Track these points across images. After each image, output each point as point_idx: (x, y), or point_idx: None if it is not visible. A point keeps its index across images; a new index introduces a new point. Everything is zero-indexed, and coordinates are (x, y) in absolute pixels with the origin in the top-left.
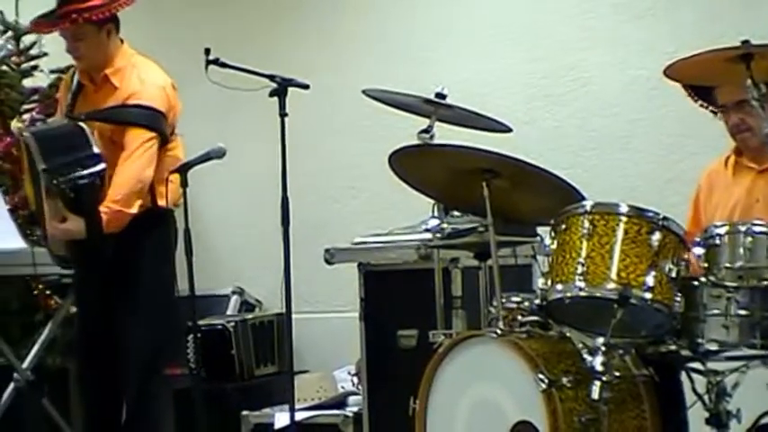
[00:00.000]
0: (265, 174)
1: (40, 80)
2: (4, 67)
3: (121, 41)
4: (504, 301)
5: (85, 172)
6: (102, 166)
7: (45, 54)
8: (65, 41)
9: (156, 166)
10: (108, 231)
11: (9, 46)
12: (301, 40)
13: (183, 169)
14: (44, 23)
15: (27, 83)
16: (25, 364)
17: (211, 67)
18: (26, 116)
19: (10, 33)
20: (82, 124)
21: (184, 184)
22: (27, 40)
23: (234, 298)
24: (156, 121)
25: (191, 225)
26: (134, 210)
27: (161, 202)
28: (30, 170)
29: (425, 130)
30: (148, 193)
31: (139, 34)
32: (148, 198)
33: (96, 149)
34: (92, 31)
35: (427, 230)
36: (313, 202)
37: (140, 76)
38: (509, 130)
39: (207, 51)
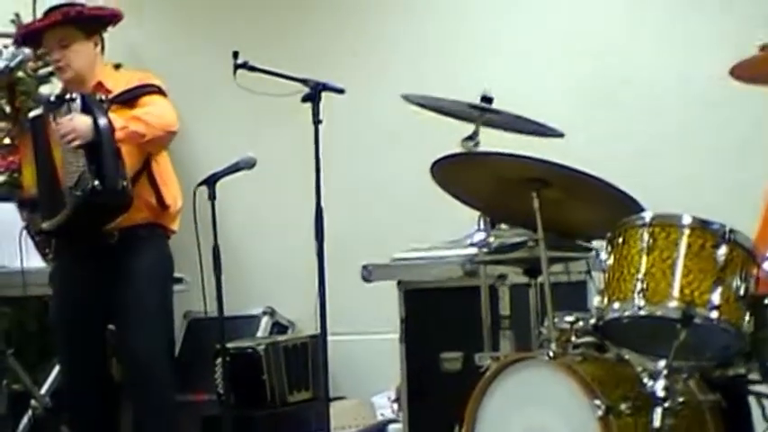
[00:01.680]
0: (298, 185)
1: (57, 87)
2: (21, 74)
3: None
4: (556, 320)
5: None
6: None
7: None
8: (51, 54)
9: (159, 162)
10: (121, 138)
11: (26, 50)
12: (336, 43)
13: (211, 181)
14: (32, 23)
15: (44, 90)
16: (43, 390)
17: (240, 71)
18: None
19: None
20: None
21: (212, 196)
22: None
23: (264, 319)
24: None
25: (219, 239)
26: (151, 133)
27: (168, 201)
28: (34, 149)
29: (470, 137)
30: (153, 191)
31: (164, 37)
32: (153, 198)
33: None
34: (79, 37)
35: (472, 245)
36: (349, 216)
37: (136, 74)
38: (561, 134)
39: (235, 54)
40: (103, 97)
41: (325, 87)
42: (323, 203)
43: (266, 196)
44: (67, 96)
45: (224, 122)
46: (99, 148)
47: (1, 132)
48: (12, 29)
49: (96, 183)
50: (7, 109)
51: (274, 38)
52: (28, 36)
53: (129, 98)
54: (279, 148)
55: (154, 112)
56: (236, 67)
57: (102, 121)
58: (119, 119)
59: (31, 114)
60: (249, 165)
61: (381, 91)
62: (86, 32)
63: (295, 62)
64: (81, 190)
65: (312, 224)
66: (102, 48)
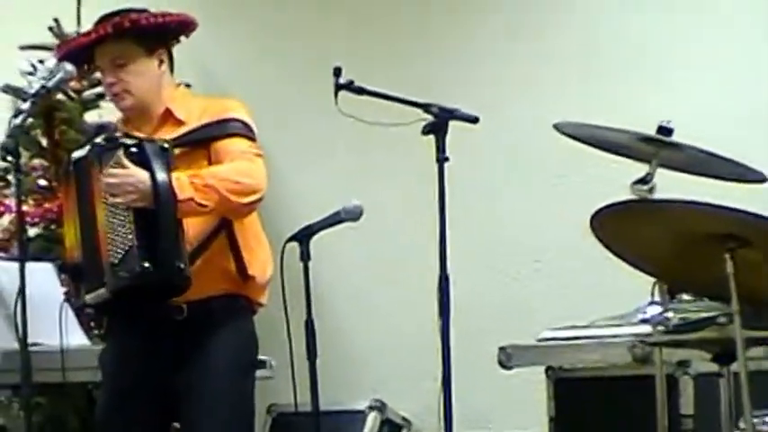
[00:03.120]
0: (416, 242)
1: (107, 112)
2: (61, 96)
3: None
4: (755, 421)
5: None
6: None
7: None
8: (104, 76)
9: (244, 220)
10: (184, 211)
11: (67, 66)
12: (464, 59)
13: (304, 235)
14: (76, 38)
15: (90, 116)
16: None
17: (343, 93)
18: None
19: None
20: None
21: (306, 256)
22: None
23: (372, 415)
24: (255, 137)
25: (313, 313)
26: (224, 207)
27: (252, 271)
28: (78, 200)
29: (642, 180)
30: (233, 258)
31: (246, 54)
32: (233, 266)
33: None
34: (139, 54)
35: (645, 321)
36: (482, 283)
37: (216, 101)
38: (764, 179)
39: (337, 72)
40: (165, 144)
41: (454, 115)
42: (449, 267)
43: (375, 256)
44: (121, 140)
45: (321, 160)
46: (155, 218)
47: (35, 172)
48: (50, 39)
49: (146, 265)
50: (44, 142)
51: (382, 53)
52: (71, 55)
53: (202, 139)
54: (391, 193)
55: (233, 177)
56: (338, 87)
57: (163, 181)
58: (185, 185)
59: (75, 155)
60: (353, 215)
61: (525, 120)
62: (148, 47)
63: (409, 84)
64: (126, 270)
65: (434, 293)
66: (171, 65)
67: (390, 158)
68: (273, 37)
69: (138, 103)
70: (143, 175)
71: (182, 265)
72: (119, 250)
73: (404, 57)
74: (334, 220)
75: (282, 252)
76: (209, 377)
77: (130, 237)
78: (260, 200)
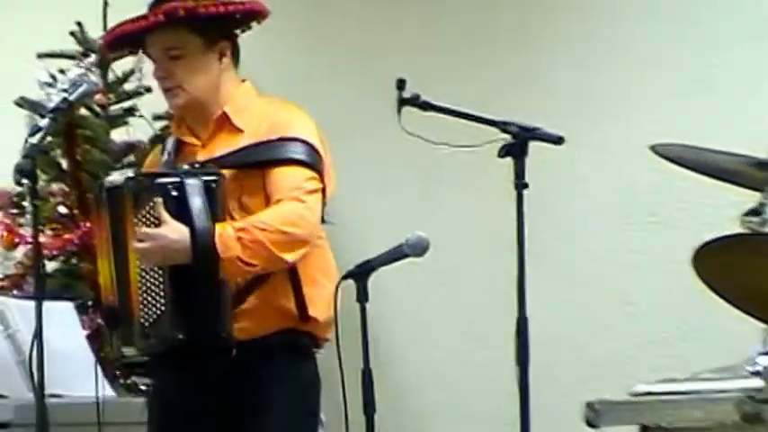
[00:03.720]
0: (490, 280)
1: (138, 129)
2: (84, 111)
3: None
4: None
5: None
6: (217, 176)
7: (147, 90)
8: (156, 68)
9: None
10: (228, 271)
11: (92, 77)
12: (544, 73)
13: (362, 273)
14: (122, 24)
15: (117, 134)
16: None
17: (407, 109)
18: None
19: (93, 58)
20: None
21: (363, 296)
22: (119, 67)
23: None
24: (318, 164)
25: (371, 361)
26: (277, 259)
27: (313, 312)
28: (112, 235)
29: (755, 211)
30: (292, 293)
31: (295, 59)
32: (292, 303)
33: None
34: (196, 46)
35: (755, 374)
36: (565, 328)
37: (280, 109)
38: None
39: (400, 84)
40: (213, 183)
41: (536, 135)
42: (528, 309)
43: (442, 297)
44: (159, 180)
45: (381, 186)
46: (193, 278)
47: (54, 198)
48: (72, 45)
49: (180, 336)
50: (64, 163)
51: (449, 66)
52: (116, 42)
53: (255, 162)
54: (462, 224)
55: (280, 226)
56: (402, 102)
57: (203, 237)
58: (231, 240)
59: (109, 182)
60: (418, 249)
61: (615, 141)
62: (207, 39)
63: (486, 97)
64: (157, 337)
65: (511, 339)
66: (237, 58)
67: (461, 184)
68: (327, 45)
69: (192, 102)
70: (180, 232)
71: (222, 333)
72: (151, 312)
73: (473, 70)
74: (396, 254)
75: (336, 291)
76: (263, 422)
77: (163, 300)
78: (306, 249)
